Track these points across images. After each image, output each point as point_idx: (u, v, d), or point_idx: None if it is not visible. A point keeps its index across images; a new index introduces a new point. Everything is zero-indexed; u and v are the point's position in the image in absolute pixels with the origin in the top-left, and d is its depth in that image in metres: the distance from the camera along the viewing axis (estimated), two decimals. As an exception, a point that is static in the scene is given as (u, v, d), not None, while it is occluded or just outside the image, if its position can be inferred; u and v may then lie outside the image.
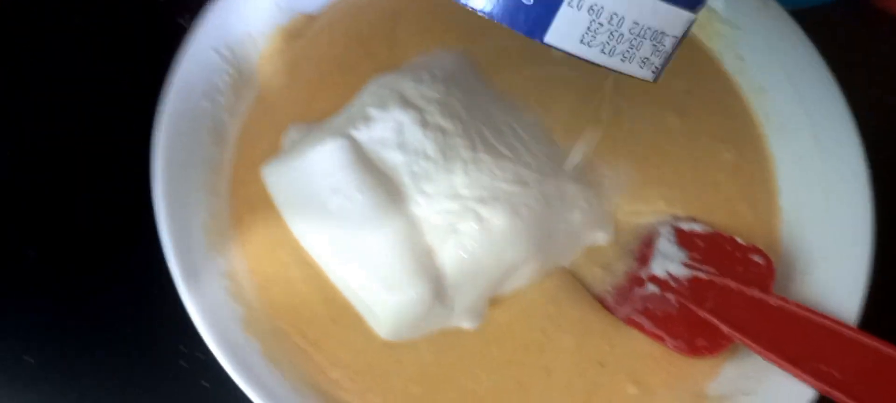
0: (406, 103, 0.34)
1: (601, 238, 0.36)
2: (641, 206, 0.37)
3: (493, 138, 0.35)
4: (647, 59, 0.25)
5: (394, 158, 0.33)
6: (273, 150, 0.37)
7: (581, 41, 0.23)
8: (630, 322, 0.35)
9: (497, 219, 0.33)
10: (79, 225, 0.39)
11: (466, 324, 0.34)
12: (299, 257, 0.35)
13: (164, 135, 0.34)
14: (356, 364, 0.33)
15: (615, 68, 0.24)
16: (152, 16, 0.43)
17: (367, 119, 0.34)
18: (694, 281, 0.35)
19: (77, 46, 0.43)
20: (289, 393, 0.31)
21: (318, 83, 0.39)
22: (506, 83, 0.39)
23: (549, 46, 0.23)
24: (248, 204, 0.36)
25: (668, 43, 0.25)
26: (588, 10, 0.23)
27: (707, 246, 0.36)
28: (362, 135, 0.34)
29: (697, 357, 0.34)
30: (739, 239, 0.36)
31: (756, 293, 0.33)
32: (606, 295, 0.36)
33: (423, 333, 0.34)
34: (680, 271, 0.35)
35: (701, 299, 0.34)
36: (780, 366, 0.31)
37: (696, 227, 0.36)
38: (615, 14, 0.23)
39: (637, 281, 0.36)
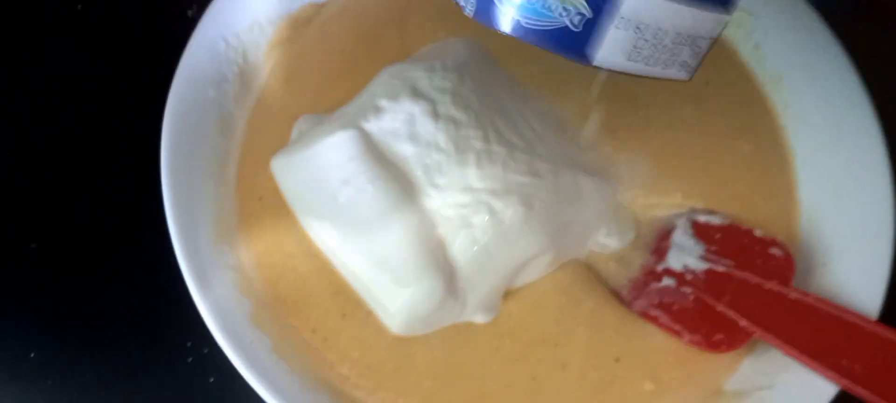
0: (418, 94, 0.33)
1: (616, 235, 0.36)
2: (658, 199, 0.37)
3: (506, 129, 0.34)
4: (686, 62, 0.26)
5: (405, 150, 0.33)
6: (281, 141, 0.36)
7: (628, 58, 0.24)
8: (646, 316, 0.34)
9: (510, 212, 0.32)
10: (80, 223, 0.39)
11: (479, 318, 0.33)
12: (308, 250, 0.34)
13: (171, 125, 0.33)
14: (366, 359, 0.33)
15: (656, 75, 0.25)
16: (152, 16, 0.44)
17: (377, 110, 0.33)
18: (711, 274, 0.34)
19: (77, 46, 0.43)
20: (298, 390, 0.31)
21: (327, 73, 0.38)
22: (519, 73, 0.38)
23: (598, 68, 0.24)
24: (255, 195, 0.35)
25: (705, 44, 0.26)
26: (635, 30, 0.23)
27: (724, 239, 0.35)
28: (373, 126, 0.33)
29: (715, 352, 0.33)
30: (758, 232, 0.35)
31: (775, 286, 0.32)
32: (622, 289, 0.35)
33: (436, 328, 0.33)
34: (697, 264, 0.34)
35: (718, 293, 0.33)
36: (801, 361, 0.31)
37: (714, 219, 0.36)
38: (660, 29, 0.24)
39: (653, 275, 0.35)
